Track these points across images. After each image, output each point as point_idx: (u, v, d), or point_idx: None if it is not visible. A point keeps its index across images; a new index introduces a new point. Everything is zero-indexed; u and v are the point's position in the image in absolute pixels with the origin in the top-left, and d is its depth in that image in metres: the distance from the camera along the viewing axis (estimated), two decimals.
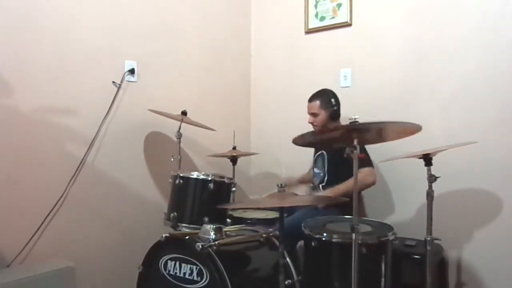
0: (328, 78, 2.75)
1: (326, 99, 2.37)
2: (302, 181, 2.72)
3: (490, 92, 2.19)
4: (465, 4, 2.27)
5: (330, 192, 2.26)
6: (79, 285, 1.96)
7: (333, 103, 2.36)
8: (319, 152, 2.49)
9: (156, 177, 2.57)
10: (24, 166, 2.00)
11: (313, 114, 2.38)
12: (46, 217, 2.06)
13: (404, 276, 2.02)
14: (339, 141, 1.66)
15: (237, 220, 2.26)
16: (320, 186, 2.41)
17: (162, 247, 1.84)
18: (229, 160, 2.56)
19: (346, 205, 1.69)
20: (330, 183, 2.36)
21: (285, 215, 1.67)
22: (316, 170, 2.49)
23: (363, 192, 2.49)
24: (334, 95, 2.40)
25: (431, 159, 1.74)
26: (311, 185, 2.59)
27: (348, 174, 2.11)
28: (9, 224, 1.94)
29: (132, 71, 2.42)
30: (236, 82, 3.16)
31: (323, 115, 2.36)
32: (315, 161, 2.53)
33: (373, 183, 2.22)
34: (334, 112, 2.35)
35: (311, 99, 2.41)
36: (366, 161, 2.22)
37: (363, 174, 2.19)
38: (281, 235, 1.68)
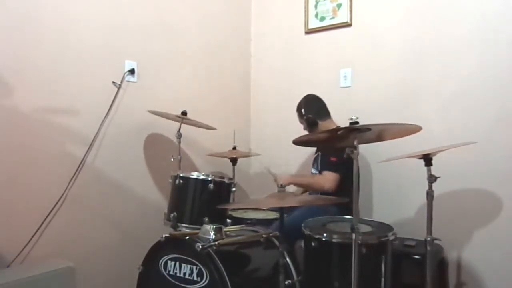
0: (328, 78, 2.76)
1: (299, 111, 2.46)
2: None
3: (490, 92, 2.19)
4: (465, 4, 2.27)
5: (289, 178, 2.44)
6: (79, 285, 1.96)
7: (303, 112, 2.42)
8: (317, 153, 2.50)
9: (156, 177, 2.57)
10: (24, 166, 2.00)
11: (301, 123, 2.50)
12: (46, 217, 2.06)
13: (404, 276, 2.02)
14: (338, 141, 1.66)
15: (237, 220, 2.26)
16: None
17: (162, 247, 1.84)
18: (229, 160, 2.56)
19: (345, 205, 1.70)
20: None
21: (285, 215, 1.67)
22: (313, 170, 2.49)
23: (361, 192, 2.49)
24: (306, 102, 2.45)
25: (431, 159, 1.74)
26: None
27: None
28: (9, 224, 1.94)
29: (132, 71, 2.42)
30: (236, 82, 3.16)
31: (304, 124, 2.45)
32: (313, 161, 2.53)
33: (328, 190, 2.23)
34: (308, 119, 2.41)
35: None
36: (334, 166, 2.23)
37: (323, 178, 2.26)
38: (281, 235, 1.68)
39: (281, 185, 1.76)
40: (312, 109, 2.41)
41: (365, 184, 2.59)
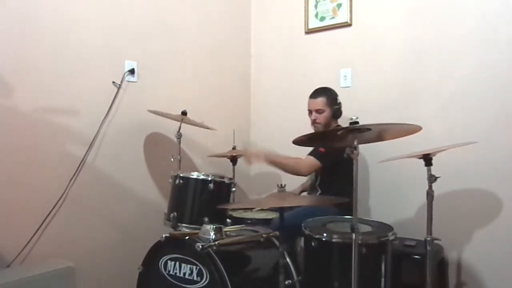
0: (328, 78, 2.75)
1: (332, 97, 2.35)
2: (304, 190, 2.69)
3: (490, 92, 2.19)
4: (465, 4, 2.27)
5: (268, 155, 2.28)
6: (79, 285, 1.96)
7: (338, 101, 2.35)
8: None
9: (156, 177, 2.57)
10: (24, 166, 2.00)
11: (318, 111, 2.33)
12: (46, 217, 2.06)
13: (404, 276, 2.02)
14: (338, 141, 1.66)
15: (237, 220, 2.26)
16: (316, 185, 2.41)
17: (162, 247, 1.84)
18: (229, 160, 2.56)
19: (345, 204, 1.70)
20: (323, 183, 2.36)
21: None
22: None
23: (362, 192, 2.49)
24: (336, 93, 2.40)
25: (431, 159, 1.74)
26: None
27: (339, 173, 2.16)
28: (9, 224, 1.94)
29: (132, 71, 2.42)
30: (236, 82, 3.16)
31: (327, 112, 2.32)
32: None
33: (302, 173, 2.25)
34: (337, 110, 2.34)
35: (315, 96, 2.36)
36: (318, 155, 2.22)
37: (301, 160, 2.23)
38: (281, 235, 1.68)
39: (282, 184, 1.73)
40: (340, 102, 2.38)
41: (365, 184, 2.59)
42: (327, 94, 2.35)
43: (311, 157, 2.24)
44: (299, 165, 2.24)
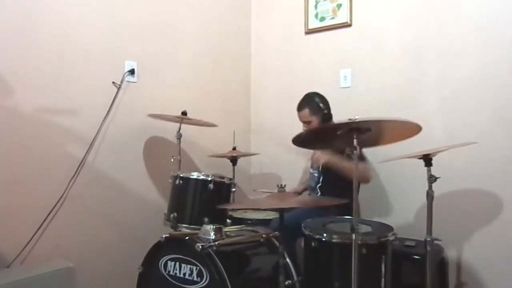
0: (328, 79, 2.75)
1: (314, 105, 2.35)
2: (306, 188, 2.65)
3: (490, 92, 2.19)
4: (465, 4, 2.27)
5: (333, 158, 2.15)
6: (79, 285, 1.96)
7: (322, 106, 2.34)
8: None
9: (156, 178, 2.57)
10: (24, 166, 2.00)
11: (306, 123, 2.37)
12: (46, 218, 2.06)
13: (404, 276, 2.01)
14: (339, 141, 1.66)
15: (237, 221, 2.26)
16: (317, 187, 2.41)
17: (162, 248, 1.84)
18: (229, 160, 2.56)
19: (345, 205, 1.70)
20: (325, 184, 2.35)
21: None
22: (312, 170, 2.48)
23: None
24: (320, 98, 2.38)
25: (431, 159, 1.74)
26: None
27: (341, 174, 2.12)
28: (9, 224, 1.94)
29: (132, 72, 2.42)
30: (236, 82, 3.16)
31: (315, 121, 2.34)
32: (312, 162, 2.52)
33: (369, 179, 2.21)
34: (325, 115, 2.33)
35: (299, 108, 2.39)
36: (361, 157, 2.18)
37: (361, 167, 2.13)
38: (281, 235, 1.68)
39: (282, 184, 1.74)
40: (326, 105, 2.36)
41: (366, 185, 2.59)
42: (308, 104, 2.36)
43: (361, 163, 2.06)
44: (365, 172, 2.14)
